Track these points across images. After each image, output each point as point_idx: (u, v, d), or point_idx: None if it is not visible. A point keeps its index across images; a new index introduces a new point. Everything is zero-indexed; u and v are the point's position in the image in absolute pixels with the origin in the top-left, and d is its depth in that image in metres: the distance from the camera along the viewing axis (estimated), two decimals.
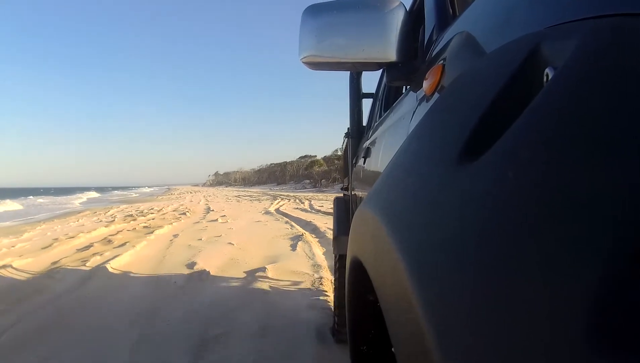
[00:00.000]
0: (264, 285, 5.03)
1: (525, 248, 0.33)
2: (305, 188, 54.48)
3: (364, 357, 0.91)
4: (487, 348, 0.32)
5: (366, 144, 2.50)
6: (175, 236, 9.69)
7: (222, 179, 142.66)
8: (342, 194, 3.90)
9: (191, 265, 6.23)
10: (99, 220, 13.84)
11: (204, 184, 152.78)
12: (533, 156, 0.37)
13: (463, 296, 0.37)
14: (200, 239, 9.08)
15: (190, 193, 52.05)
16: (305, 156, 79.44)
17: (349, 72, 3.36)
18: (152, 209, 18.73)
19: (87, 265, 6.31)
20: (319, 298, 4.48)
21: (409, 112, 1.27)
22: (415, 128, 0.77)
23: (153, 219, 13.94)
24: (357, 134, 3.38)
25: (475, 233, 0.40)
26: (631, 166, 0.30)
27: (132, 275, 5.81)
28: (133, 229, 11.01)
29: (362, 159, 2.33)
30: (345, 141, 3.83)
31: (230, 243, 8.38)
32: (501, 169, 0.40)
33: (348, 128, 3.59)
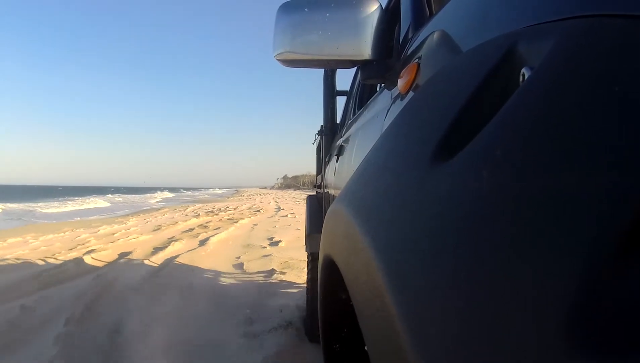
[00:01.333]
0: None
1: (500, 246, 0.33)
2: None
3: (336, 355, 0.91)
4: (461, 346, 0.32)
5: (340, 142, 2.50)
6: (255, 225, 12.77)
7: (290, 183, 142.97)
8: (314, 193, 3.90)
9: (270, 239, 9.32)
10: (184, 214, 16.68)
11: (272, 187, 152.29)
12: (507, 156, 0.37)
13: (437, 294, 0.37)
14: (275, 226, 12.10)
15: (260, 195, 54.67)
16: None
17: (323, 69, 3.36)
18: (227, 207, 21.40)
19: (197, 238, 9.30)
20: None
21: (383, 110, 1.27)
22: (389, 126, 0.77)
23: (233, 214, 16.73)
24: (331, 131, 3.38)
25: (449, 232, 0.40)
26: (605, 165, 0.30)
27: (230, 243, 8.93)
28: (219, 220, 14.10)
29: (336, 157, 2.33)
30: (319, 138, 3.82)
31: (297, 229, 10.93)
32: (475, 168, 0.40)
33: (321, 126, 3.59)
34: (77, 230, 10.99)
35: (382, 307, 0.44)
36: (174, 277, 5.57)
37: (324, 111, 3.54)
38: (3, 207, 21.75)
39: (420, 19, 1.24)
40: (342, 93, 3.56)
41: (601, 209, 0.28)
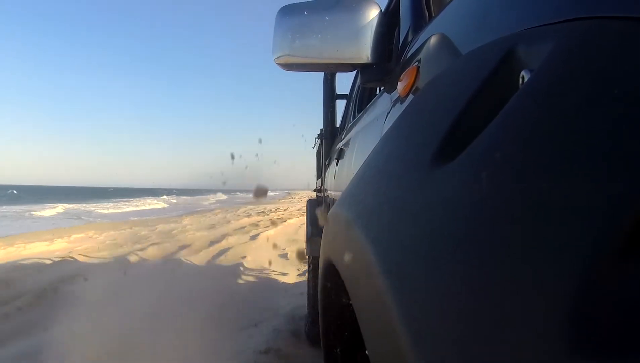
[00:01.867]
0: None
1: (500, 249, 0.33)
2: None
3: (337, 359, 0.91)
4: (462, 349, 0.32)
5: (339, 145, 2.50)
6: (302, 224, 13.06)
7: None
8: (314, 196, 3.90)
9: None
10: (237, 215, 17.38)
11: None
12: (507, 158, 0.37)
13: (437, 297, 0.37)
14: None
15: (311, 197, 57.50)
16: None
17: (322, 73, 3.36)
18: (278, 209, 21.81)
19: (248, 234, 10.04)
20: None
21: (383, 113, 1.27)
22: (389, 130, 0.77)
23: (282, 214, 17.35)
24: (331, 135, 3.38)
25: (449, 235, 0.39)
26: (605, 167, 0.30)
27: (278, 238, 9.46)
28: (269, 220, 14.69)
29: (336, 161, 2.33)
30: (318, 142, 3.82)
31: None
32: (475, 171, 0.40)
33: (321, 129, 3.59)
34: (135, 228, 11.81)
35: (382, 310, 0.44)
36: (227, 261, 6.87)
37: (323, 114, 3.54)
38: (64, 208, 23.37)
39: (419, 22, 1.24)
40: (341, 97, 3.56)
41: (601, 211, 0.28)
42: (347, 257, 0.63)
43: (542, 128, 0.37)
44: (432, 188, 0.46)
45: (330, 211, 0.81)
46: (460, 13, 0.85)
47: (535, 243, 0.31)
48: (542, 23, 0.48)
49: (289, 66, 1.30)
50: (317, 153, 4.02)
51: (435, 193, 0.45)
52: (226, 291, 4.79)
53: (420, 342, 0.37)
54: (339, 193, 1.78)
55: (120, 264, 6.23)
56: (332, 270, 0.77)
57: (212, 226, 11.88)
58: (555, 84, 0.39)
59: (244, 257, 7.05)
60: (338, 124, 3.44)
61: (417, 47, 1.08)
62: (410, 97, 0.97)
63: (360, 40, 1.21)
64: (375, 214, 0.57)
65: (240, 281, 5.67)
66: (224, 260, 6.96)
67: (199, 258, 7.01)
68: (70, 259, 6.64)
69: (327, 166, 3.11)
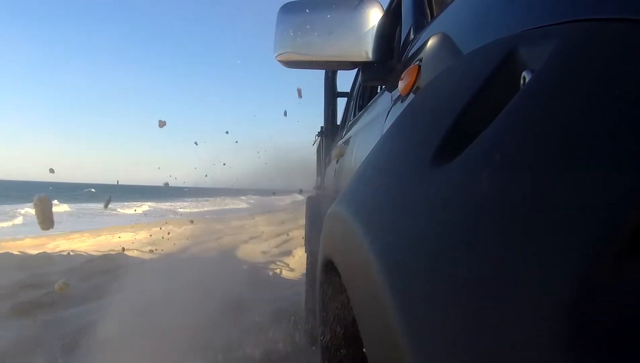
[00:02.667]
0: None
1: (499, 248, 0.33)
2: None
3: (335, 357, 0.91)
4: (460, 348, 0.32)
5: (340, 143, 2.50)
6: None
7: None
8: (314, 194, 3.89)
9: None
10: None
11: None
12: (507, 159, 0.37)
13: (436, 296, 0.37)
14: None
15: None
16: None
17: (324, 70, 3.35)
18: None
19: None
20: None
21: (384, 112, 1.27)
22: (390, 128, 0.77)
23: None
24: (331, 133, 3.37)
25: (448, 234, 0.40)
26: (605, 168, 0.30)
27: None
28: None
29: (336, 159, 2.33)
30: (319, 139, 3.82)
31: None
32: (475, 170, 0.40)
33: (322, 127, 3.58)
34: (212, 224, 12.32)
35: (380, 309, 0.44)
36: (290, 248, 7.64)
37: (324, 112, 3.54)
38: (149, 206, 24.79)
39: (421, 21, 1.24)
40: (342, 94, 3.55)
41: (601, 212, 0.28)
42: (346, 255, 0.63)
43: (542, 129, 0.37)
44: (431, 187, 0.46)
45: (329, 209, 0.81)
46: (462, 13, 0.85)
47: (534, 243, 0.31)
48: (543, 24, 0.48)
49: (290, 63, 1.30)
50: (317, 150, 4.02)
51: (435, 192, 0.45)
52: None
53: (419, 341, 0.37)
54: (338, 191, 1.78)
55: (194, 247, 7.31)
56: (331, 268, 0.77)
57: (282, 223, 12.31)
58: (556, 85, 0.39)
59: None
60: (339, 122, 3.44)
61: (418, 46, 1.08)
62: (411, 96, 0.97)
63: (362, 38, 1.21)
64: (375, 212, 0.57)
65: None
66: (284, 245, 8.14)
67: (264, 245, 8.08)
68: (152, 246, 7.72)
69: (327, 164, 3.10)
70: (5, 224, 13.98)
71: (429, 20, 1.21)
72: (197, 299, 3.46)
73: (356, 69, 2.14)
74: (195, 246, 7.44)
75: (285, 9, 1.26)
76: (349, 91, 3.42)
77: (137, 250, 7.34)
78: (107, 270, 5.59)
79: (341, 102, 3.53)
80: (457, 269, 0.36)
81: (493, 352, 0.29)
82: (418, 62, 0.98)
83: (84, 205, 25.30)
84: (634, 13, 0.37)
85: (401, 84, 1.03)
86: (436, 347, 0.35)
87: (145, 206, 24.16)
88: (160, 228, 9.66)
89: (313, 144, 4.15)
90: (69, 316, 3.51)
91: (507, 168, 0.37)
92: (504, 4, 0.65)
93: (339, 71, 3.44)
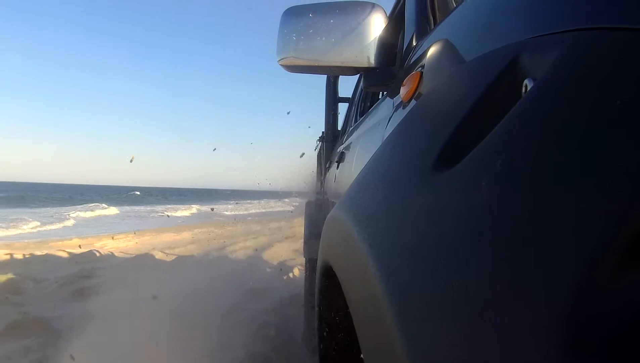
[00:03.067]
0: None
1: (498, 255, 0.33)
2: None
3: (333, 361, 0.91)
4: (457, 354, 0.32)
5: (340, 148, 2.50)
6: None
7: None
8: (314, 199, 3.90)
9: None
10: None
11: None
12: (508, 166, 0.37)
13: (433, 302, 0.37)
14: None
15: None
16: None
17: (326, 75, 3.36)
18: None
19: None
20: None
21: (385, 118, 1.27)
22: (391, 134, 0.77)
23: None
24: (332, 138, 3.38)
25: (447, 241, 0.39)
26: (607, 177, 0.30)
27: None
28: None
29: (336, 164, 2.33)
30: (319, 144, 3.82)
31: None
32: (476, 178, 0.40)
33: (323, 132, 3.59)
34: (251, 225, 12.86)
35: (378, 314, 0.44)
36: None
37: (325, 117, 3.54)
38: (196, 209, 25.31)
39: (424, 28, 1.24)
40: (344, 100, 3.56)
41: (602, 218, 0.28)
42: (344, 260, 0.63)
43: (544, 137, 0.37)
44: (431, 194, 0.46)
45: (329, 214, 0.81)
46: (464, 20, 0.85)
47: (534, 248, 0.31)
48: (546, 32, 0.48)
49: (293, 68, 1.30)
50: (317, 155, 4.02)
51: (435, 199, 0.45)
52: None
53: (416, 346, 0.37)
54: (338, 196, 1.78)
55: (231, 246, 8.17)
56: (329, 273, 0.76)
57: None
58: (558, 93, 0.39)
59: None
60: (340, 127, 3.44)
61: (420, 53, 1.08)
62: (413, 102, 0.97)
63: (364, 44, 1.21)
64: (375, 218, 0.57)
65: None
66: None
67: (298, 244, 8.98)
68: (192, 244, 8.63)
69: (327, 169, 3.11)
70: (55, 226, 14.77)
71: (432, 26, 1.21)
72: (222, 286, 4.45)
73: (358, 75, 2.15)
74: (232, 245, 8.23)
75: (289, 13, 1.26)
76: (350, 96, 3.43)
77: (177, 247, 8.05)
78: (146, 265, 6.18)
79: (342, 108, 3.54)
80: (456, 275, 0.36)
81: (490, 358, 0.29)
82: (420, 68, 0.98)
83: (131, 207, 26.70)
84: (637, 22, 0.37)
85: (403, 91, 1.03)
86: (434, 353, 0.35)
87: (193, 209, 24.82)
88: (203, 229, 10.42)
89: (315, 149, 4.16)
90: (117, 298, 4.07)
91: (508, 175, 0.37)
92: (507, 12, 0.65)
93: (340, 77, 3.45)
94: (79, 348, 2.91)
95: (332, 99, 3.53)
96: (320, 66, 1.25)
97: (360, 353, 0.51)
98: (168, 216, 19.74)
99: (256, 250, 7.67)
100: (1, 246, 7.64)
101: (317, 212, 3.41)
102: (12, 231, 12.66)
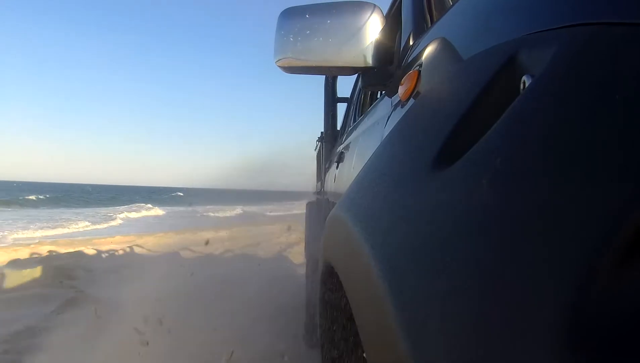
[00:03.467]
0: None
1: (499, 253, 0.33)
2: None
3: (335, 361, 0.91)
4: (460, 353, 0.32)
5: (340, 148, 2.49)
6: None
7: None
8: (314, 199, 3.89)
9: None
10: None
11: None
12: (507, 164, 0.37)
13: (435, 301, 0.37)
14: None
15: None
16: None
17: (324, 76, 3.36)
18: None
19: None
20: None
21: (384, 117, 1.27)
22: (390, 133, 0.77)
23: None
24: (331, 138, 3.37)
25: (448, 239, 0.39)
26: (605, 174, 0.30)
27: None
28: None
29: (336, 164, 2.33)
30: (319, 145, 3.82)
31: None
32: (475, 175, 0.40)
33: (322, 132, 3.58)
34: (290, 223, 13.42)
35: (380, 314, 0.44)
36: None
37: (324, 117, 3.54)
38: (242, 209, 25.89)
39: (421, 26, 1.24)
40: (342, 100, 3.55)
41: (602, 217, 0.28)
42: (346, 260, 0.63)
43: (542, 134, 0.37)
44: (431, 192, 0.46)
45: (330, 215, 0.81)
46: (461, 18, 0.85)
47: (533, 248, 0.31)
48: (544, 28, 0.48)
49: (290, 69, 1.29)
50: (317, 155, 4.02)
51: (434, 197, 0.45)
52: None
53: (418, 346, 0.37)
54: (338, 196, 1.78)
55: (265, 243, 8.46)
56: (331, 272, 0.77)
57: None
58: (557, 89, 0.39)
59: None
60: (339, 127, 3.44)
61: (418, 52, 1.07)
62: (411, 101, 0.97)
63: (362, 43, 1.21)
64: (375, 217, 0.57)
65: None
66: None
67: None
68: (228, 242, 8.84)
69: (327, 169, 3.10)
70: (101, 226, 15.87)
71: (429, 25, 1.21)
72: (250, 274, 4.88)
73: (356, 75, 2.14)
74: (265, 242, 8.61)
75: (286, 15, 1.26)
76: (348, 96, 3.42)
77: (213, 244, 8.24)
78: (183, 256, 6.93)
79: (341, 108, 3.54)
80: (457, 274, 0.36)
81: (492, 358, 0.29)
82: (418, 67, 0.98)
83: (175, 208, 27.44)
84: (635, 17, 0.37)
85: (401, 90, 1.03)
86: (436, 352, 0.35)
87: (238, 210, 25.20)
88: (240, 229, 10.72)
89: (315, 149, 4.15)
90: (155, 281, 4.67)
91: (507, 172, 0.37)
92: (504, 9, 0.65)
93: (339, 77, 3.45)
94: (122, 314, 3.70)
95: (331, 99, 3.52)
96: (318, 66, 1.25)
97: (363, 352, 0.51)
98: (211, 216, 19.97)
99: (287, 245, 8.03)
100: (55, 243, 8.65)
101: (317, 212, 3.41)
102: (70, 229, 14.11)
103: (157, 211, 23.97)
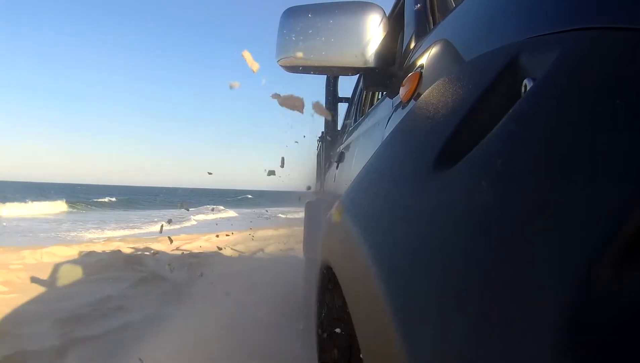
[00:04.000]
0: None
1: (498, 255, 0.33)
2: None
3: (332, 360, 0.91)
4: (457, 354, 0.32)
5: (340, 148, 2.49)
6: None
7: None
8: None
9: None
10: None
11: None
12: (508, 165, 0.37)
13: (433, 302, 0.37)
14: None
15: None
16: None
17: (325, 75, 3.35)
18: None
19: None
20: None
21: (385, 118, 1.27)
22: (390, 134, 0.77)
23: None
24: (332, 138, 3.37)
25: (447, 240, 0.39)
26: (606, 175, 0.30)
27: None
28: None
29: (336, 164, 2.33)
30: (319, 145, 3.82)
31: None
32: (476, 177, 0.40)
33: (322, 132, 3.58)
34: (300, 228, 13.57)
35: (378, 314, 0.44)
36: None
37: (324, 117, 3.53)
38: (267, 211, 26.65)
39: (423, 28, 1.24)
40: (343, 100, 3.55)
41: (602, 218, 0.28)
42: (344, 260, 0.63)
43: (543, 136, 0.37)
44: (431, 193, 0.46)
45: (328, 214, 0.81)
46: (464, 20, 0.85)
47: (535, 247, 0.31)
48: (546, 32, 0.48)
49: (292, 68, 1.29)
50: (317, 155, 4.02)
51: (434, 198, 0.45)
52: None
53: (416, 346, 0.37)
54: (337, 196, 1.77)
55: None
56: (329, 272, 0.76)
57: None
58: (558, 93, 0.39)
59: None
60: (339, 128, 3.43)
61: (420, 53, 1.08)
62: (412, 102, 0.97)
63: (364, 44, 1.21)
64: (374, 218, 0.57)
65: None
66: None
67: None
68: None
69: (327, 169, 3.10)
70: (175, 226, 15.94)
71: (432, 27, 1.21)
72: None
73: (358, 75, 2.14)
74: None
75: (288, 14, 1.26)
76: (350, 96, 3.42)
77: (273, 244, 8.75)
78: (242, 252, 7.65)
79: (342, 108, 3.54)
80: (456, 275, 0.36)
81: (490, 358, 0.29)
82: (420, 69, 0.98)
83: (250, 209, 27.74)
84: (637, 22, 0.37)
85: (402, 91, 1.03)
86: (434, 353, 0.35)
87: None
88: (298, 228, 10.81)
89: (317, 149, 4.15)
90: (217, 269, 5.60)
91: (508, 175, 0.37)
92: (507, 12, 0.65)
93: (340, 77, 3.44)
94: (188, 289, 4.47)
95: (332, 99, 3.52)
96: (319, 66, 1.25)
97: (360, 353, 0.51)
98: (281, 216, 20.06)
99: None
100: (126, 241, 9.56)
101: (316, 213, 3.40)
102: (143, 229, 14.98)
103: (231, 213, 24.38)
